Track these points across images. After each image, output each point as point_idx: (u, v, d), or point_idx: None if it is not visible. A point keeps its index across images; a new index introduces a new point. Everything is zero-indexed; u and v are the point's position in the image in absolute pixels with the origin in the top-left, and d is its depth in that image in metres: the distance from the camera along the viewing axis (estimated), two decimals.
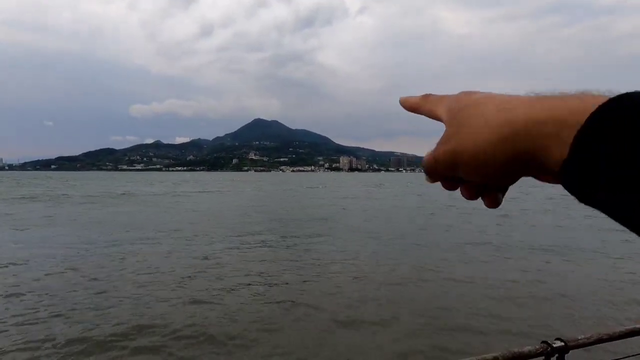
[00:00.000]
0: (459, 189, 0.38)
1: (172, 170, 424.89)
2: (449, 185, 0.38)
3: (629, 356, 2.13)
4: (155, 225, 17.76)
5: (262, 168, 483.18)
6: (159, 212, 24.10)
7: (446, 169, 0.35)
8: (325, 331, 6.14)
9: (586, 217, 17.64)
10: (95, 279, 8.86)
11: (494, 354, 1.51)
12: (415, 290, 8.31)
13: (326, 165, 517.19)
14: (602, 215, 0.27)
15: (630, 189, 0.23)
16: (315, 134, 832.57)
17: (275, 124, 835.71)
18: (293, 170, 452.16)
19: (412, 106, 0.42)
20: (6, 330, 5.93)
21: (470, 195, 0.37)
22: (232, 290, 8.16)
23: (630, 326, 1.85)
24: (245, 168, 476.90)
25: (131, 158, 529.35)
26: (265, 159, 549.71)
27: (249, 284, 8.58)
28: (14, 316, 6.45)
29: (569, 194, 0.29)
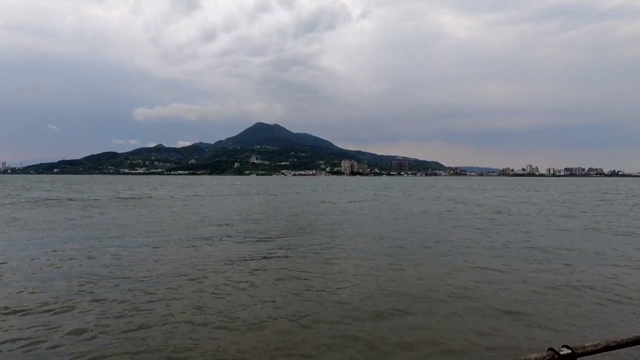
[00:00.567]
0: None
1: (174, 174, 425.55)
2: None
3: None
4: (168, 227, 18.32)
5: (263, 172, 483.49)
6: (167, 214, 24.67)
7: None
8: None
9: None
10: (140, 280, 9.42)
11: None
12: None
13: (327, 169, 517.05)
14: None
15: None
16: (316, 137, 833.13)
17: (276, 128, 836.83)
18: (294, 174, 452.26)
19: None
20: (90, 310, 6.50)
21: None
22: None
23: (639, 333, 1.81)
24: (247, 172, 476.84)
25: (133, 162, 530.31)
26: (266, 162, 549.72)
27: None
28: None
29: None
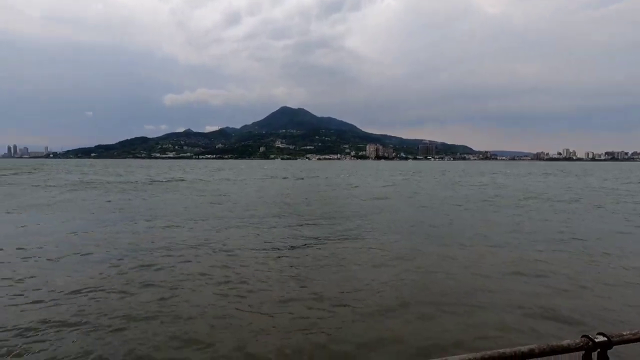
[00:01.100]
0: None
1: (202, 158, 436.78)
2: None
3: None
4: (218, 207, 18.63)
5: (288, 156, 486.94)
6: (206, 197, 25.20)
7: None
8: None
9: None
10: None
11: (530, 346, 1.44)
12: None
13: (352, 153, 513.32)
14: None
15: None
16: (341, 121, 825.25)
17: (301, 112, 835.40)
18: (319, 159, 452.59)
19: None
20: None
21: None
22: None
23: None
24: (272, 156, 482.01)
25: (163, 146, 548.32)
26: (291, 147, 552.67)
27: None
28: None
29: None
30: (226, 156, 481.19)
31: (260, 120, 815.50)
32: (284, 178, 53.03)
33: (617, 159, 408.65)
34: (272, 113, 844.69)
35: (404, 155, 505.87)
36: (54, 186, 34.21)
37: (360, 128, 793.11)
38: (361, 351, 5.22)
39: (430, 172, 79.81)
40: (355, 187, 36.55)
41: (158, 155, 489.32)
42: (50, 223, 15.13)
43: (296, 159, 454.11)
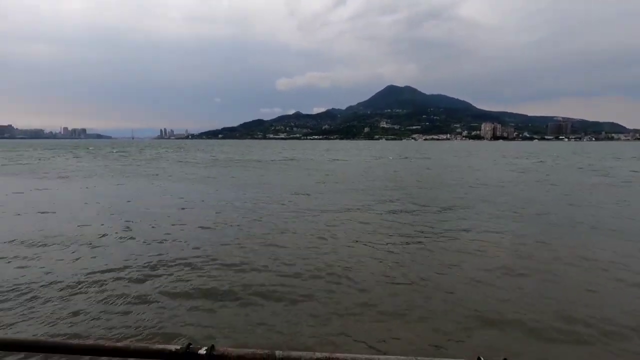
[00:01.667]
0: None
1: (310, 139, 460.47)
2: None
3: None
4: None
5: (393, 136, 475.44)
6: (328, 175, 26.88)
7: None
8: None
9: None
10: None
11: None
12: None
13: (464, 133, 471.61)
14: None
15: None
16: (452, 98, 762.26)
17: (408, 90, 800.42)
18: (426, 139, 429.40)
19: None
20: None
21: None
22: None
23: None
24: (377, 136, 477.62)
25: (276, 128, 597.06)
26: (396, 127, 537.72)
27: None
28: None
29: None
30: (332, 137, 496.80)
31: (365, 101, 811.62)
32: (404, 158, 52.33)
33: None
34: (378, 93, 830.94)
35: (527, 135, 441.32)
36: (196, 162, 41.08)
37: (475, 105, 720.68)
38: None
39: (568, 155, 68.18)
40: (477, 170, 33.81)
41: (271, 136, 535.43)
42: (200, 191, 18.37)
43: (401, 139, 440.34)
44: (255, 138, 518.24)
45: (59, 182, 22.21)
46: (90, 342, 1.43)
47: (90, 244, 9.09)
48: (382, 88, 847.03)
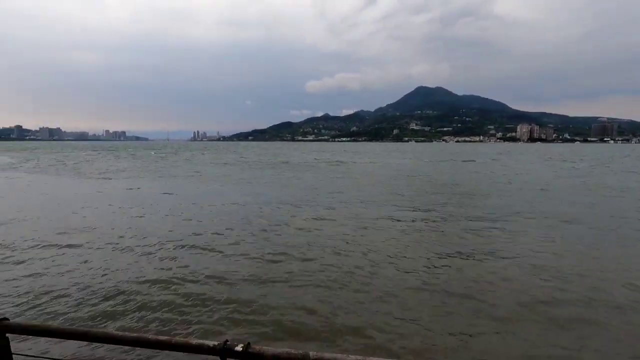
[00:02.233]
0: None
1: (338, 141, 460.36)
2: None
3: None
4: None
5: (423, 138, 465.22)
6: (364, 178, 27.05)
7: None
8: None
9: None
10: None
11: None
12: None
13: (499, 134, 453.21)
14: None
15: None
16: (486, 99, 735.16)
17: (439, 91, 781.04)
18: (457, 141, 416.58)
19: None
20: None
21: None
22: None
23: None
24: (406, 138, 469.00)
25: (305, 130, 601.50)
26: (426, 128, 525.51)
27: None
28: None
29: None
30: (360, 139, 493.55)
31: (395, 102, 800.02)
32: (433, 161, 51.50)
33: None
34: (408, 94, 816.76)
35: (568, 137, 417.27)
36: (226, 163, 42.45)
37: (511, 106, 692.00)
38: None
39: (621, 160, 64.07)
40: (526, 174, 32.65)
41: (300, 138, 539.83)
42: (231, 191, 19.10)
43: (431, 141, 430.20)
44: (284, 140, 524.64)
45: (115, 183, 23.91)
46: (134, 333, 1.49)
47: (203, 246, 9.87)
48: (412, 89, 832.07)
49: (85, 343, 4.59)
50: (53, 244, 9.26)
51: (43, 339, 4.64)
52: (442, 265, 7.90)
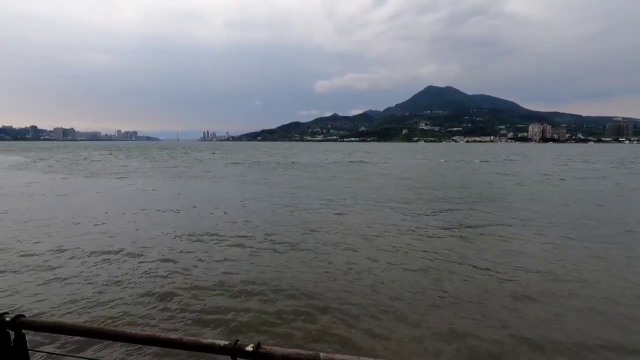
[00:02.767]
0: None
1: (346, 141, 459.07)
2: None
3: None
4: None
5: (432, 138, 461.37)
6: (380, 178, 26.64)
7: None
8: None
9: None
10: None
11: None
12: None
13: (510, 134, 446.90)
14: None
15: None
16: (497, 98, 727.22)
17: (448, 91, 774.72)
18: (467, 141, 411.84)
19: None
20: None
21: None
22: None
23: None
24: (415, 139, 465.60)
25: (313, 130, 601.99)
26: (436, 128, 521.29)
27: None
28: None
29: None
30: (368, 139, 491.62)
31: (404, 102, 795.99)
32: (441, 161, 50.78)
33: None
34: (417, 94, 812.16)
35: (581, 137, 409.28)
36: (236, 163, 42.36)
37: (522, 105, 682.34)
38: None
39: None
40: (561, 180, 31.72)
41: (309, 138, 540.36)
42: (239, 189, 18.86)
43: (441, 141, 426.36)
44: (293, 140, 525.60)
45: (125, 182, 23.92)
46: (146, 332, 1.49)
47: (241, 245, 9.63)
48: (421, 89, 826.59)
49: (98, 340, 4.74)
50: (74, 247, 9.09)
51: (58, 336, 4.80)
52: (485, 275, 7.47)
